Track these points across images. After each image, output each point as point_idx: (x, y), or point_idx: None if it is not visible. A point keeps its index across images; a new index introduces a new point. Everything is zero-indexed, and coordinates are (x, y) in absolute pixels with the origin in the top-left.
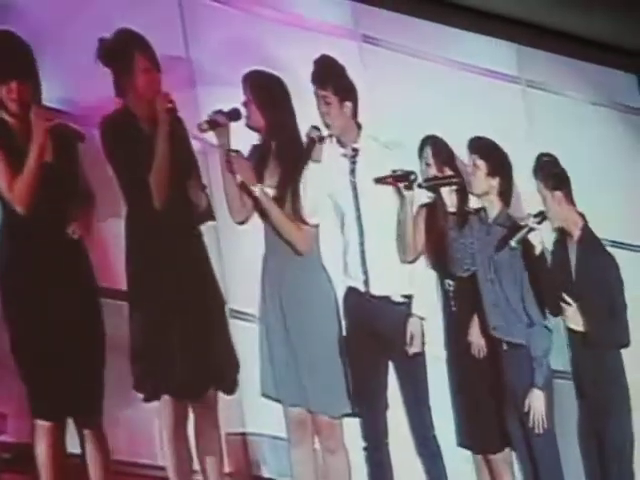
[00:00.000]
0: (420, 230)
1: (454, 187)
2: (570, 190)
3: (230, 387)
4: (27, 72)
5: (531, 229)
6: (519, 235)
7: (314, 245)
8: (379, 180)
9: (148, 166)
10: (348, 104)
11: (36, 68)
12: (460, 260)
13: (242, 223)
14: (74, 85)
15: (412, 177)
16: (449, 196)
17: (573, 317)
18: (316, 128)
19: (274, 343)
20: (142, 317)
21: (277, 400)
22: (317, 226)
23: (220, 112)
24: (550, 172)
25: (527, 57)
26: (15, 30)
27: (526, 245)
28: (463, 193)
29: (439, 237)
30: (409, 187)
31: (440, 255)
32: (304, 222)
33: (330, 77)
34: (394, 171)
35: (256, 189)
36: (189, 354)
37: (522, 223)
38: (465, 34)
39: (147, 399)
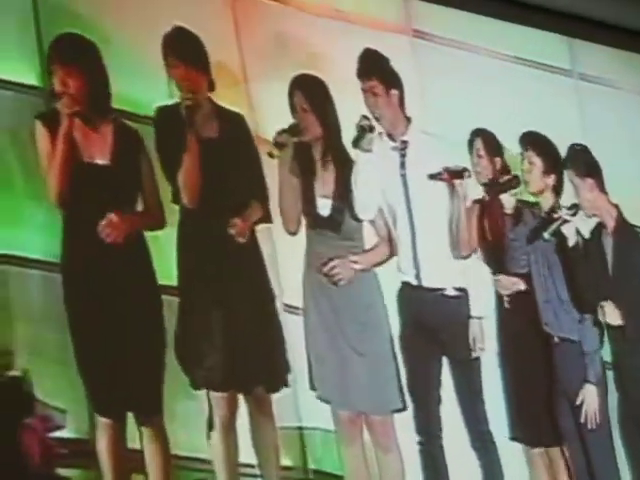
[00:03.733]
0: (473, 226)
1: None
2: (602, 180)
3: (277, 386)
4: (92, 68)
5: (565, 221)
6: (552, 227)
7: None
8: (433, 176)
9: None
10: (394, 92)
11: (102, 66)
12: (516, 259)
13: (294, 234)
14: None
15: (466, 173)
16: (505, 196)
17: (611, 312)
18: (366, 117)
19: (322, 343)
20: (191, 311)
21: (327, 401)
22: (371, 221)
23: (283, 131)
24: (581, 160)
25: (580, 50)
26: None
27: (560, 238)
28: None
29: (494, 233)
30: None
31: (495, 251)
32: (356, 218)
33: (375, 68)
34: (447, 168)
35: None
36: (230, 348)
37: (555, 215)
38: (517, 27)
39: (192, 387)
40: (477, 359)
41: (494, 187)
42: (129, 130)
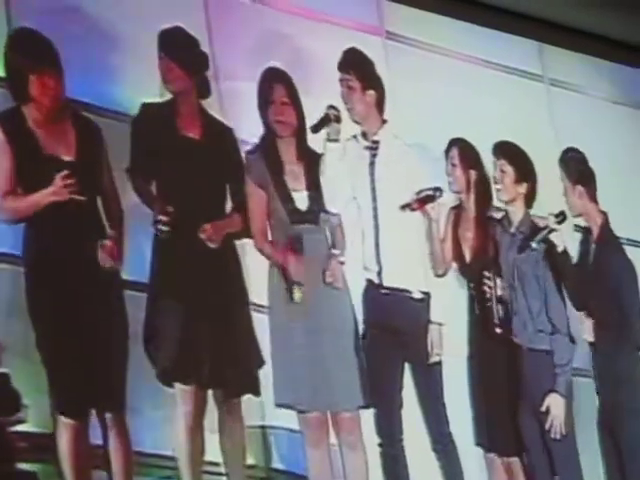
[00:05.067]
0: (447, 241)
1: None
2: (594, 188)
3: (253, 388)
4: (54, 66)
5: (552, 230)
6: (540, 236)
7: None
8: (404, 207)
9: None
10: (371, 92)
11: (60, 62)
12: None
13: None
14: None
15: (437, 194)
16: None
17: (587, 329)
18: (333, 107)
19: (287, 344)
20: (161, 308)
21: (291, 407)
22: (337, 215)
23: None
24: (575, 168)
25: (550, 55)
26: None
27: (548, 244)
28: (488, 201)
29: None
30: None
31: (466, 259)
32: (324, 210)
33: (355, 64)
34: (418, 192)
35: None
36: (205, 344)
37: (543, 224)
38: (488, 32)
39: (161, 381)
40: (438, 363)
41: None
42: (90, 125)
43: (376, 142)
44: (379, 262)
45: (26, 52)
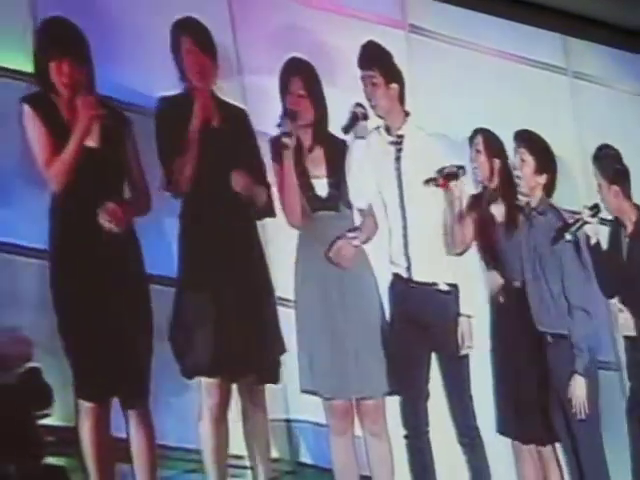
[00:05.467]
0: (469, 221)
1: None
2: (629, 186)
3: (273, 374)
4: (80, 56)
5: (585, 222)
6: (574, 228)
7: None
8: (427, 182)
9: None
10: (394, 86)
11: (89, 54)
12: (511, 265)
13: (297, 228)
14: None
15: (461, 172)
16: (496, 207)
17: (625, 323)
18: (360, 105)
19: (314, 332)
20: (186, 299)
21: (317, 394)
22: (362, 210)
23: (286, 115)
24: (611, 167)
25: (574, 48)
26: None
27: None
28: (512, 198)
29: (489, 230)
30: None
31: (490, 248)
32: (349, 206)
33: (376, 59)
34: (441, 170)
35: None
36: (231, 336)
37: (577, 217)
38: (512, 24)
39: (185, 375)
40: (466, 356)
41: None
42: (117, 114)
43: (401, 136)
44: (408, 258)
45: (50, 39)
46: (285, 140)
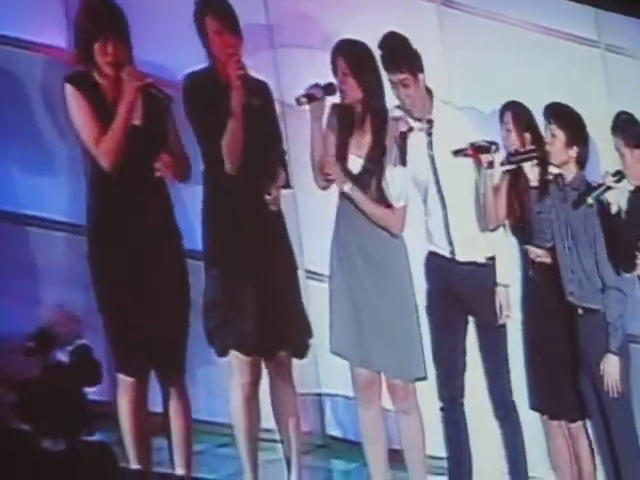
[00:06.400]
0: (502, 197)
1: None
2: None
3: (301, 351)
4: (121, 33)
5: (608, 187)
6: (596, 192)
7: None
8: (457, 152)
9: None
10: (421, 76)
11: (128, 30)
12: (541, 232)
13: (325, 189)
14: (166, 50)
15: (493, 147)
16: (530, 169)
17: None
18: (399, 107)
19: (345, 305)
20: (217, 275)
21: (345, 357)
22: (404, 208)
23: (317, 86)
24: (630, 130)
25: (606, 21)
26: None
27: (602, 204)
28: (543, 164)
29: (521, 205)
30: (490, 164)
31: (521, 222)
32: (389, 206)
33: (401, 57)
34: (472, 143)
35: (346, 187)
36: (260, 313)
37: (600, 182)
38: None
39: (219, 353)
40: (503, 326)
41: (515, 157)
42: (159, 90)
43: (430, 121)
44: (451, 241)
45: (93, 19)
46: (300, 99)
